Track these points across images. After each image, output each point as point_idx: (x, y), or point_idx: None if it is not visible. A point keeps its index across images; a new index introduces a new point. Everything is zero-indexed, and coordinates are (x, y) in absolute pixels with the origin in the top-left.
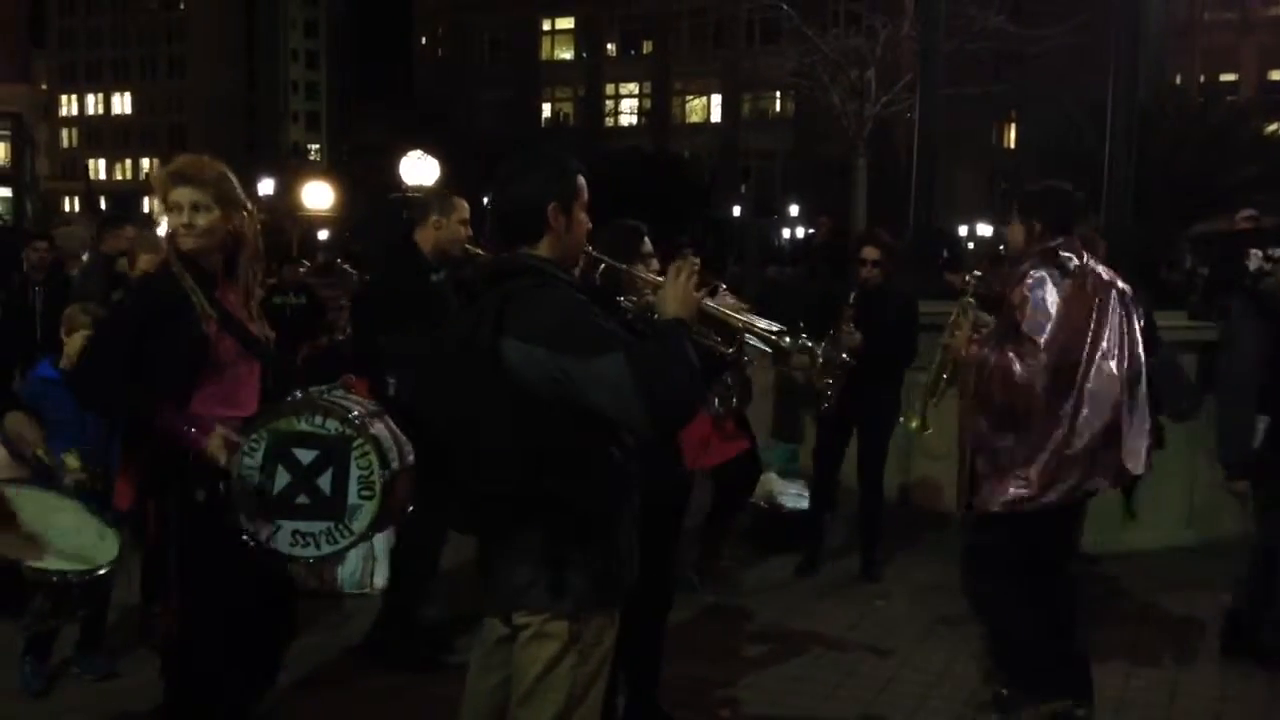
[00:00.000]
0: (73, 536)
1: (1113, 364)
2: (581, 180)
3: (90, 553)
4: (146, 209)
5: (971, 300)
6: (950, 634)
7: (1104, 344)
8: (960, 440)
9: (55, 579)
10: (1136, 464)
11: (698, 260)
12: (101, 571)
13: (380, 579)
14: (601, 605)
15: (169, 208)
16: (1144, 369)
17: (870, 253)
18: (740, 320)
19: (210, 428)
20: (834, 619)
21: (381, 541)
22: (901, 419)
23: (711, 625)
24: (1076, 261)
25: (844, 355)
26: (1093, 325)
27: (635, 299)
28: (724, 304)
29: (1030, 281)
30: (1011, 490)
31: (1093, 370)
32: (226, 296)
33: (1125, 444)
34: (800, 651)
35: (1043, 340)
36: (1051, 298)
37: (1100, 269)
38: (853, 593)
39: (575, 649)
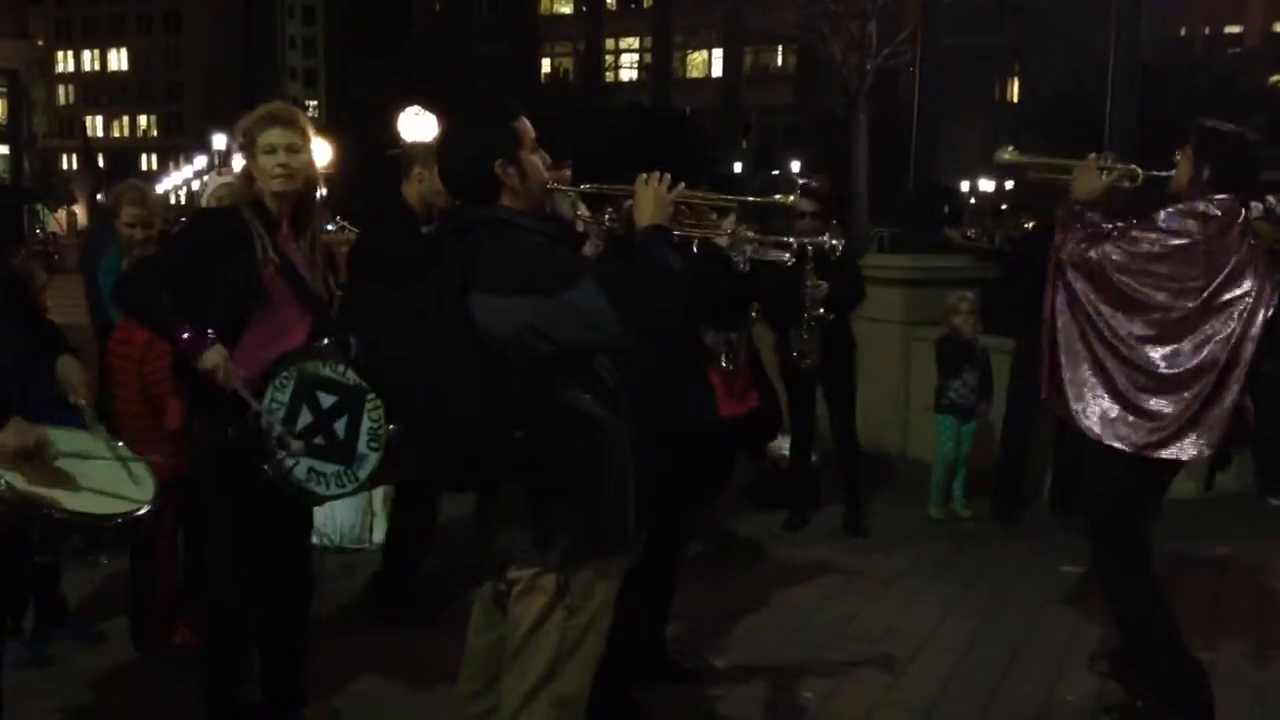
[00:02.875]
0: (108, 475)
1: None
2: (523, 124)
3: (127, 492)
4: (144, 166)
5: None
6: (946, 586)
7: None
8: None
9: (92, 520)
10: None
11: None
12: (142, 512)
13: (379, 534)
14: (590, 558)
15: (261, 150)
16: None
17: (804, 204)
18: (726, 199)
19: (253, 365)
20: (829, 572)
21: (379, 496)
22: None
23: (705, 579)
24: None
25: (820, 309)
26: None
27: (616, 211)
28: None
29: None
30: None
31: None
32: (289, 243)
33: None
34: (795, 604)
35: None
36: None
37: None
38: (848, 546)
39: (563, 603)
